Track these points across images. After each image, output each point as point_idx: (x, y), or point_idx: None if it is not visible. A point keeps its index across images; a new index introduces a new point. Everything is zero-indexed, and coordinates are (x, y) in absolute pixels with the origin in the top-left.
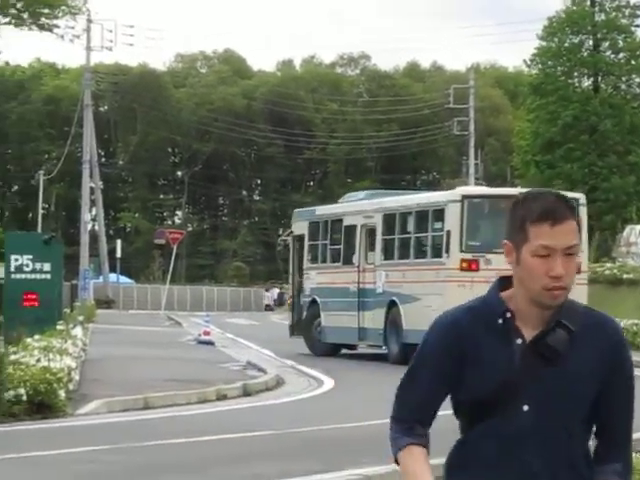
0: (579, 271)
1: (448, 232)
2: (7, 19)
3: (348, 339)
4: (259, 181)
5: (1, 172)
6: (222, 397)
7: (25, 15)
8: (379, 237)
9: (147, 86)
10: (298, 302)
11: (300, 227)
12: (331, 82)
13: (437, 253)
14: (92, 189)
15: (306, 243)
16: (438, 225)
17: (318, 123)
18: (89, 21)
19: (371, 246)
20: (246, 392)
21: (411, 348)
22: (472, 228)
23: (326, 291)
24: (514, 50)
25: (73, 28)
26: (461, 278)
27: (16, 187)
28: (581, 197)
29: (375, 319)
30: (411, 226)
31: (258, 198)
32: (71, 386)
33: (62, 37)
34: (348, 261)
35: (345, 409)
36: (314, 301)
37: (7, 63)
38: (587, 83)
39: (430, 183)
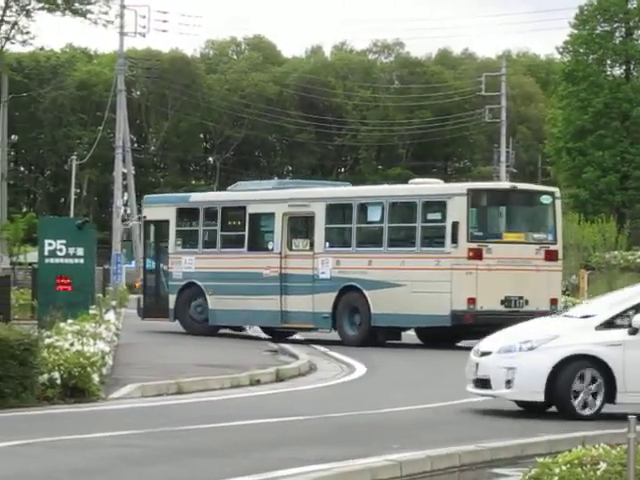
0: (554, 259)
1: (455, 223)
2: (41, 4)
3: (254, 321)
4: (290, 167)
5: (34, 157)
6: (255, 382)
7: (59, 0)
8: (324, 225)
9: (179, 72)
10: (156, 285)
11: (160, 213)
12: (363, 69)
13: (437, 243)
14: (124, 174)
15: (173, 228)
16: (436, 216)
17: (349, 110)
18: (122, 7)
19: (299, 234)
20: (279, 377)
21: (381, 331)
22: (476, 219)
23: (219, 275)
24: (546, 38)
25: (106, 14)
26: (468, 266)
27: (49, 172)
28: (556, 191)
29: (315, 303)
30: (398, 216)
31: None
32: (104, 370)
33: (95, 22)
34: (257, 247)
35: (377, 395)
36: (189, 285)
37: (42, 48)
38: (619, 71)
39: (461, 170)
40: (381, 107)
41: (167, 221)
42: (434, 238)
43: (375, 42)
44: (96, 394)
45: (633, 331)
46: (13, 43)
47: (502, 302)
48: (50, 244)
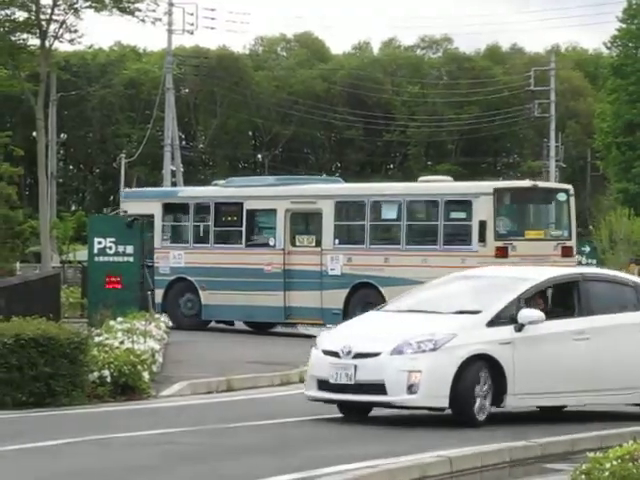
0: (570, 254)
1: (483, 222)
2: (88, 3)
3: (252, 316)
4: (339, 164)
5: (83, 155)
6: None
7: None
8: (333, 222)
9: (227, 69)
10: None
11: (143, 207)
12: (411, 65)
13: (461, 241)
14: (173, 172)
15: (159, 223)
16: (460, 215)
17: (398, 106)
18: (170, 4)
19: (304, 230)
20: None
21: None
22: (501, 218)
23: (212, 271)
24: (594, 32)
25: (154, 11)
26: (495, 263)
27: (97, 170)
28: (570, 188)
29: (324, 299)
30: (418, 214)
31: None
32: (155, 368)
33: (143, 21)
34: (257, 243)
35: None
36: (178, 279)
37: (91, 47)
38: None
39: (510, 165)
40: (430, 103)
41: (151, 216)
42: (458, 236)
43: (423, 38)
44: (146, 392)
45: (519, 327)
46: (61, 42)
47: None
48: (100, 242)
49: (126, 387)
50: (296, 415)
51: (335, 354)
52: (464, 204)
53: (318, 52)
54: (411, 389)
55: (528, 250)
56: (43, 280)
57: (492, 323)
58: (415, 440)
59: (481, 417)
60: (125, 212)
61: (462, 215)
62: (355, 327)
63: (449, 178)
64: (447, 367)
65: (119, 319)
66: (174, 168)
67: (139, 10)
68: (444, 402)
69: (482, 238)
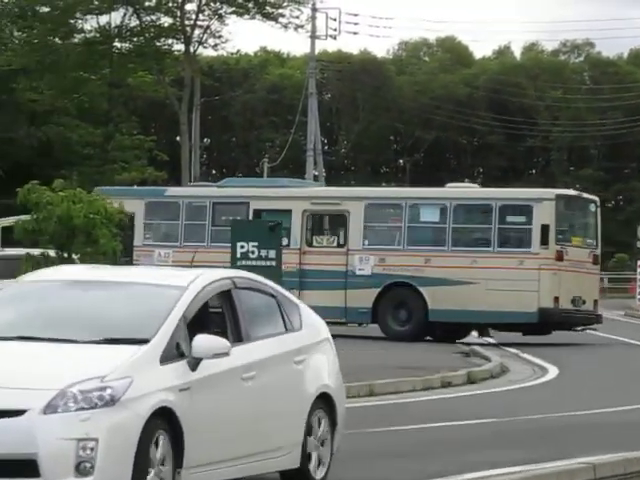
0: (597, 262)
1: (545, 226)
2: (232, 9)
3: None
4: (480, 169)
5: (226, 160)
6: (446, 384)
7: (250, 5)
8: (362, 223)
9: (370, 74)
10: None
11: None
12: (553, 69)
13: (518, 244)
14: (315, 177)
15: (140, 222)
16: (519, 219)
17: (541, 111)
18: (314, 9)
19: (322, 231)
20: (470, 380)
21: (438, 325)
22: (560, 223)
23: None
24: None
25: (298, 17)
26: (554, 266)
27: (240, 175)
28: (597, 199)
29: (348, 298)
30: (467, 217)
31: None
32: None
33: (285, 26)
34: None
35: (570, 397)
36: None
37: (237, 51)
38: None
39: None
40: (572, 108)
41: (131, 214)
42: (513, 239)
43: (564, 42)
44: None
45: (195, 364)
46: (205, 47)
47: (571, 301)
48: (242, 246)
49: None
50: (437, 420)
51: None
52: (523, 208)
53: (461, 56)
54: (81, 469)
55: (574, 256)
56: None
57: (165, 358)
58: (556, 447)
59: None
60: None
61: (520, 219)
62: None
63: (475, 185)
64: (130, 432)
65: None
66: (316, 173)
67: (282, 16)
68: None
69: (544, 241)
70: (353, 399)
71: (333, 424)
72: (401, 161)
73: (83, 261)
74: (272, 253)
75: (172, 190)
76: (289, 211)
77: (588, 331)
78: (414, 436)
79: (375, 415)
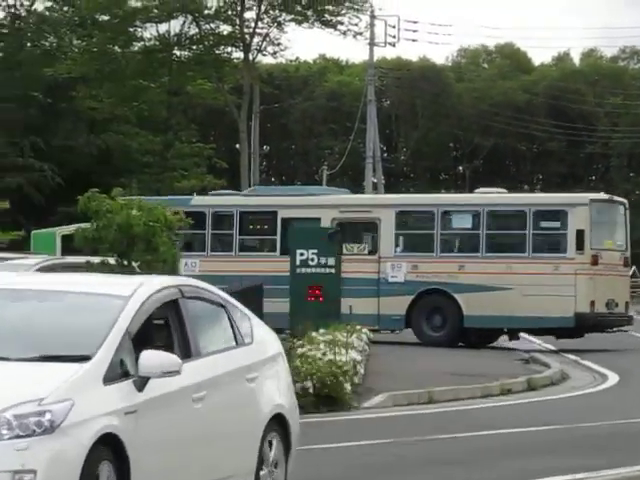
0: (627, 265)
1: (580, 231)
2: (291, 16)
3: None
4: (540, 176)
5: (285, 167)
6: (506, 391)
7: (309, 12)
8: (394, 231)
9: (429, 80)
10: None
11: None
12: (613, 76)
13: (553, 249)
14: (374, 184)
15: None
16: (553, 224)
17: (600, 117)
18: (372, 17)
19: (352, 239)
20: (530, 386)
21: (473, 331)
22: (593, 227)
23: (238, 279)
24: None
25: (357, 25)
26: (590, 271)
27: (299, 182)
28: (626, 202)
29: (381, 305)
30: (500, 223)
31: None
32: (356, 379)
33: (344, 34)
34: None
35: (631, 404)
36: None
37: (296, 59)
38: None
39: None
40: (632, 114)
41: None
42: (548, 244)
43: (623, 49)
44: (348, 403)
45: (141, 384)
46: (264, 55)
47: (606, 305)
48: (302, 254)
49: (328, 398)
50: (496, 427)
51: None
52: (558, 214)
53: (520, 63)
54: None
55: (607, 259)
56: (247, 290)
57: (109, 377)
58: (617, 454)
59: None
60: None
61: (555, 224)
62: None
63: (504, 190)
64: (72, 463)
65: (321, 330)
66: (375, 180)
67: (341, 23)
68: None
69: (580, 246)
70: (412, 406)
71: (287, 447)
72: (460, 168)
73: (142, 269)
74: (331, 260)
75: (197, 199)
76: (318, 219)
77: (630, 333)
78: (471, 443)
79: (433, 422)
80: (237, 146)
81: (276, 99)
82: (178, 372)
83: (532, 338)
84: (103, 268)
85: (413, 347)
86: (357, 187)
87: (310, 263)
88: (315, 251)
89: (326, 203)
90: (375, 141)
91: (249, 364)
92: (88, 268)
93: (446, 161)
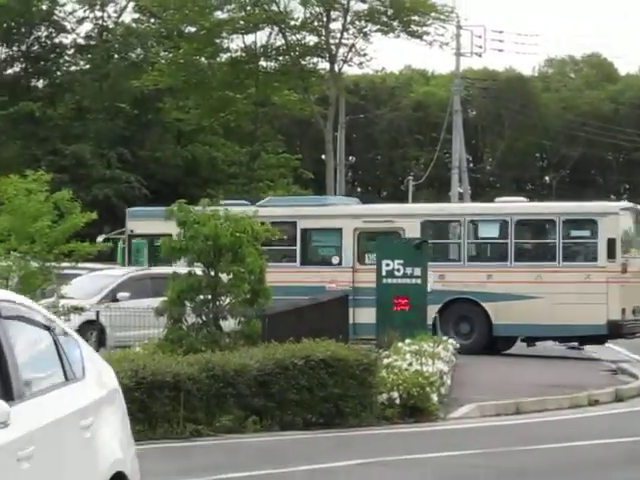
0: None
1: (612, 239)
2: (377, 27)
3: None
4: (627, 185)
5: (371, 178)
6: (594, 402)
7: (395, 23)
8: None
9: (515, 91)
10: None
11: (156, 226)
12: None
13: (584, 257)
14: (460, 194)
15: None
16: (584, 233)
17: None
18: (458, 27)
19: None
20: (618, 397)
21: (501, 340)
22: (623, 235)
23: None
24: None
25: (442, 35)
26: (621, 279)
27: (385, 193)
28: None
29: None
30: (529, 232)
31: None
32: (443, 390)
33: (430, 44)
34: (314, 262)
35: None
36: None
37: (382, 69)
38: None
39: None
40: None
41: (162, 235)
42: (578, 253)
43: None
44: (435, 414)
45: None
46: (350, 65)
47: (633, 311)
48: (388, 264)
49: (414, 409)
50: (582, 438)
51: None
52: (587, 222)
53: (606, 73)
54: None
55: (634, 266)
56: (333, 301)
57: None
58: None
59: None
60: (131, 231)
61: (585, 233)
62: None
63: (524, 199)
64: None
65: (407, 341)
66: (461, 190)
67: (427, 34)
68: None
69: (611, 254)
70: (499, 417)
71: None
72: (547, 178)
73: (229, 279)
74: (417, 271)
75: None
76: (339, 230)
77: None
78: (556, 454)
79: (521, 433)
80: (323, 157)
81: (362, 110)
82: (5, 424)
83: (618, 348)
84: (189, 279)
85: (498, 358)
86: (443, 197)
87: (396, 274)
88: (401, 261)
89: (348, 213)
90: (461, 151)
91: (83, 407)
92: (175, 279)
93: (532, 171)
